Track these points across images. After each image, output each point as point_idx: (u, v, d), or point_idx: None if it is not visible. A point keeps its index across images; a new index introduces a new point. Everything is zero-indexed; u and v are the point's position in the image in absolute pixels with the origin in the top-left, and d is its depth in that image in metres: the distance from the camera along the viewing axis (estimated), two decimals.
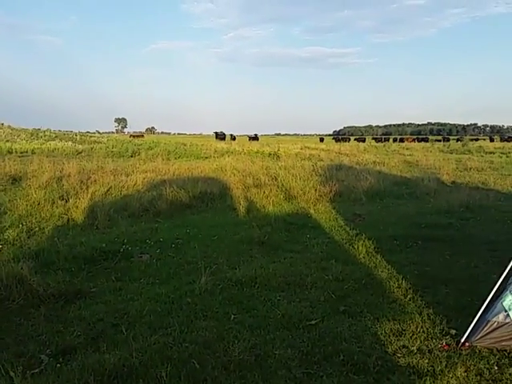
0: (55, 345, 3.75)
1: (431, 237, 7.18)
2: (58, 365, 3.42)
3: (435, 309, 4.37)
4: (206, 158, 25.60)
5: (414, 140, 68.69)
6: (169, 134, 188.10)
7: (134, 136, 68.43)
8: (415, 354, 3.58)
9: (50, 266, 5.75)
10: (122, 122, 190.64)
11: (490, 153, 32.32)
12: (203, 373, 3.30)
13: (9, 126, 50.26)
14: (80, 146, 33.19)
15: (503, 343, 3.59)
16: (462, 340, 3.63)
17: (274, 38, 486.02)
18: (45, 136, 44.80)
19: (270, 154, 25.96)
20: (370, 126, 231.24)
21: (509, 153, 30.89)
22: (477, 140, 66.49)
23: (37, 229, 7.71)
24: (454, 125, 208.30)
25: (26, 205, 9.11)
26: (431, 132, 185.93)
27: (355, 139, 70.14)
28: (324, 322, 4.17)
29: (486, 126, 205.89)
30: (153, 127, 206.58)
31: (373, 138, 76.27)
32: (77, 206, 8.89)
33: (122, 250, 6.42)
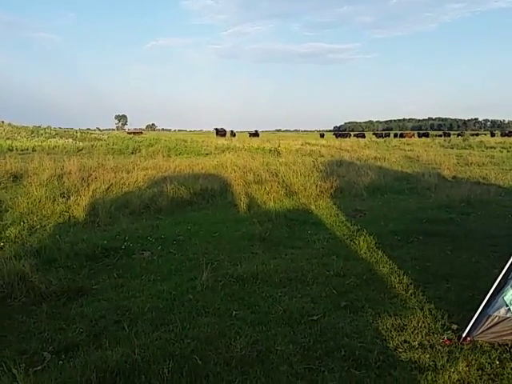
0: (57, 342, 3.76)
1: (432, 232, 7.17)
2: (61, 362, 3.44)
3: (436, 304, 4.37)
4: (207, 154, 25.62)
5: (413, 135, 68.56)
6: (169, 130, 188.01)
7: (132, 133, 68.22)
8: (417, 349, 3.59)
9: (52, 263, 5.76)
10: (122, 118, 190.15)
11: (491, 147, 32.23)
12: (205, 369, 3.31)
13: (9, 124, 50.31)
14: (80, 144, 33.23)
15: (504, 338, 3.59)
16: (464, 335, 3.64)
17: (273, 34, 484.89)
18: (45, 133, 44.85)
19: (271, 150, 25.92)
20: (371, 122, 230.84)
21: (510, 147, 30.81)
22: (477, 135, 66.44)
23: (38, 226, 7.72)
24: (455, 120, 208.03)
25: (27, 202, 9.11)
26: (432, 127, 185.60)
27: (355, 135, 70.05)
28: (325, 317, 4.17)
29: (486, 120, 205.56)
30: (153, 124, 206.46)
31: (373, 134, 76.17)
32: (78, 204, 8.90)
33: (123, 247, 6.44)
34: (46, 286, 4.75)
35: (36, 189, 9.95)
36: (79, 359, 3.42)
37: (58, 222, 8.15)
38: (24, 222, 7.76)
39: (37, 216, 8.38)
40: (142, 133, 71.21)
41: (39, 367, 3.37)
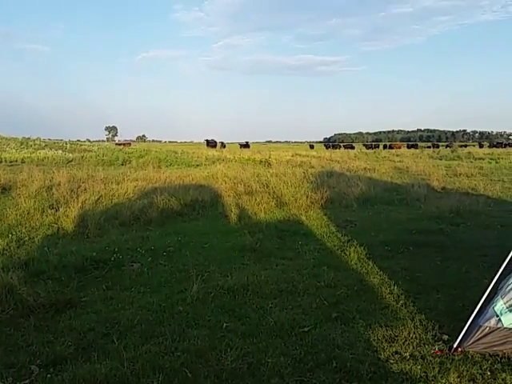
0: (45, 355, 3.71)
1: (422, 242, 7.20)
2: (49, 375, 3.39)
3: (427, 314, 4.38)
4: (197, 165, 25.63)
5: (400, 146, 69.03)
6: (160, 141, 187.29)
7: (121, 144, 67.82)
8: (408, 360, 3.58)
9: (40, 275, 5.69)
10: (112, 130, 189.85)
11: (480, 159, 32.58)
12: (195, 382, 3.28)
13: None
14: (70, 155, 33.10)
15: (495, 348, 3.60)
16: (455, 345, 3.64)
17: (264, 46, 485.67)
18: (35, 145, 44.55)
19: (262, 162, 26.00)
20: (361, 133, 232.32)
21: (498, 159, 31.16)
22: (466, 146, 66.97)
23: (26, 238, 7.65)
24: (444, 131, 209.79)
25: (16, 214, 9.04)
26: (421, 138, 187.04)
27: (344, 146, 70.48)
28: (316, 328, 4.16)
29: (474, 132, 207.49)
30: (144, 135, 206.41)
31: (364, 145, 76.76)
32: (67, 215, 8.84)
33: (112, 258, 6.38)
34: (34, 299, 4.69)
35: (25, 200, 9.87)
36: (67, 373, 3.38)
37: (47, 233, 8.08)
38: (12, 234, 7.69)
39: (25, 228, 8.31)
40: (130, 144, 70.66)
41: (27, 381, 3.32)
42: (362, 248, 6.69)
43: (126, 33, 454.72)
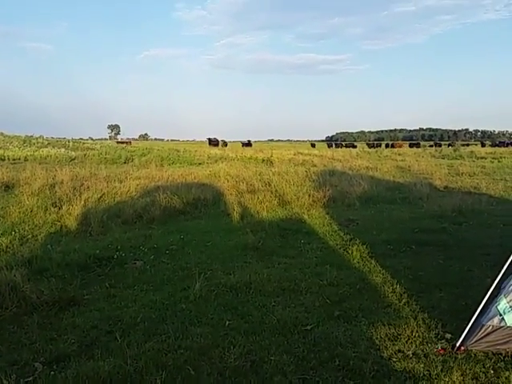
0: (49, 352, 3.72)
1: (424, 241, 7.19)
2: (52, 373, 3.40)
3: (430, 313, 4.38)
4: (200, 164, 25.61)
5: (401, 145, 68.78)
6: (162, 140, 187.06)
7: (122, 142, 67.71)
8: (411, 358, 3.58)
9: (43, 273, 5.71)
10: (115, 128, 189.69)
11: (482, 158, 32.42)
12: (198, 379, 3.28)
13: (1, 133, 49.93)
14: (73, 153, 33.06)
15: (498, 347, 3.60)
16: (458, 344, 3.64)
17: (266, 45, 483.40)
18: (37, 143, 44.51)
19: (264, 160, 26.00)
20: (363, 132, 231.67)
21: (500, 158, 31.00)
22: (468, 145, 66.67)
23: (30, 236, 7.67)
24: (446, 130, 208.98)
25: (19, 212, 9.07)
26: (423, 137, 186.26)
27: (346, 145, 70.37)
28: (319, 327, 4.16)
29: (477, 131, 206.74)
30: (146, 134, 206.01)
31: (366, 144, 76.63)
32: (70, 213, 8.86)
33: (115, 256, 6.41)
34: (37, 296, 4.71)
35: (28, 198, 9.90)
36: (71, 370, 3.39)
37: (50, 231, 8.10)
38: (15, 232, 7.71)
39: (28, 225, 8.34)
40: (131, 143, 70.24)
41: (30, 378, 3.33)
42: (365, 247, 6.69)
43: (129, 31, 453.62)
